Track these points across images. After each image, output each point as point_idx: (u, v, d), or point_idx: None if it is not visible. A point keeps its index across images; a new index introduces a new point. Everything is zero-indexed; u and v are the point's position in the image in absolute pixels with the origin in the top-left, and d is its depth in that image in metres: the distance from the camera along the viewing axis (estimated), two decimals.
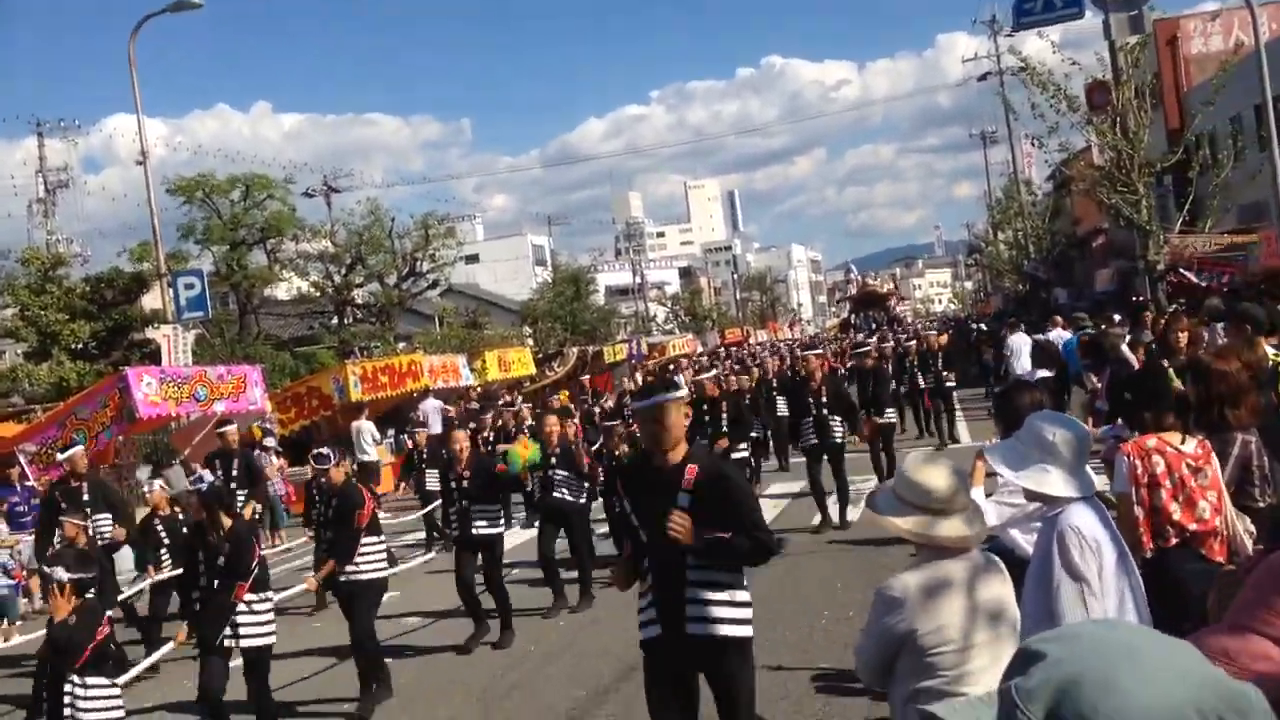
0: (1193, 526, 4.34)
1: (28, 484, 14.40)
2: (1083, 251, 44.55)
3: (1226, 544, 4.40)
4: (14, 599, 12.54)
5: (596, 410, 20.28)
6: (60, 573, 6.06)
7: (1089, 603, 3.24)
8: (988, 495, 4.75)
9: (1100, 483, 4.19)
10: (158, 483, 11.28)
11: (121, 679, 6.72)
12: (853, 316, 59.12)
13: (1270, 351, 7.33)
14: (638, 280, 72.34)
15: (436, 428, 18.80)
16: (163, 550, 10.21)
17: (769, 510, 13.40)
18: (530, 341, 44.50)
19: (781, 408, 16.18)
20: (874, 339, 29.57)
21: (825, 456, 11.83)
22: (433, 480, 13.07)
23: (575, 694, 7.27)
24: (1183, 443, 4.45)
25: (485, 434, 16.96)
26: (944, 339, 20.95)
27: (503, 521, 9.45)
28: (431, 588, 11.16)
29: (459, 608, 9.19)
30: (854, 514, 11.73)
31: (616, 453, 11.61)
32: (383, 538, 8.39)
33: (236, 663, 7.08)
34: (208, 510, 7.09)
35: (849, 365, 18.53)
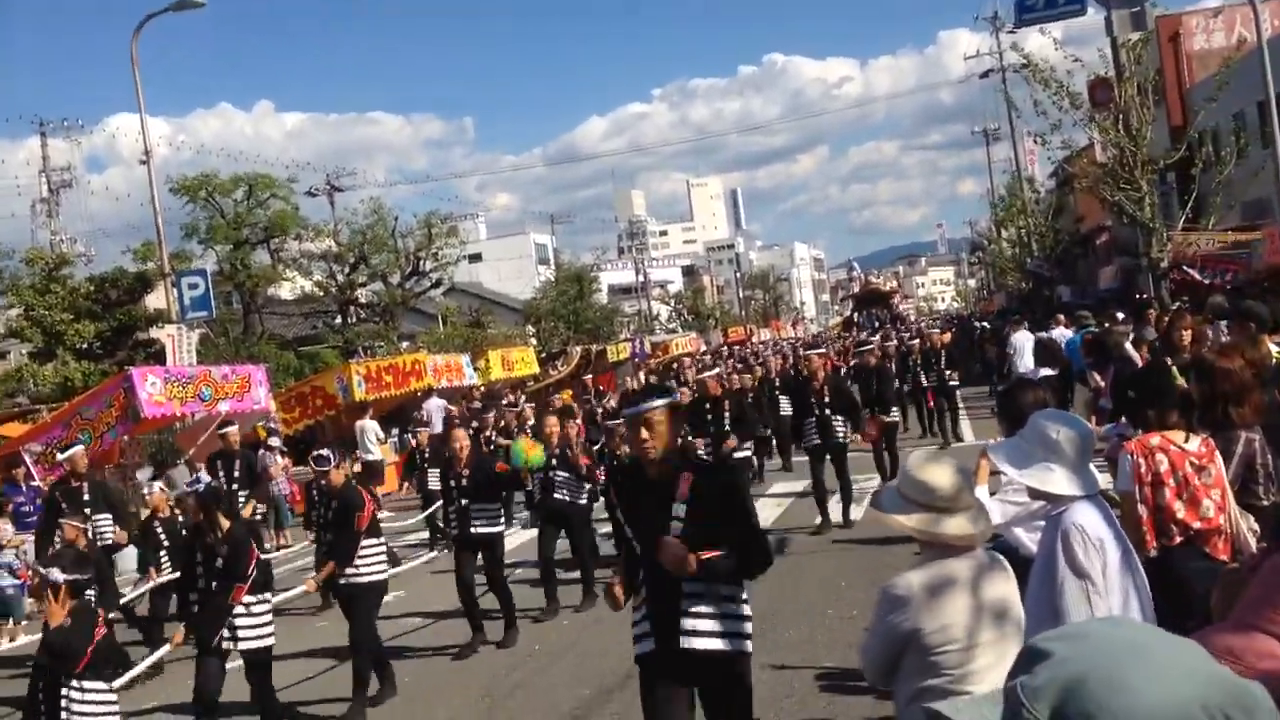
0: (1197, 525, 4.35)
1: (33, 484, 14.43)
2: (1086, 249, 44.50)
3: (1230, 542, 4.41)
4: (19, 599, 12.56)
5: (599, 409, 20.28)
6: (56, 574, 6.02)
7: (1093, 601, 3.25)
8: (992, 494, 4.76)
9: (1104, 481, 4.20)
10: (157, 484, 11.25)
11: (119, 681, 6.71)
12: (856, 315, 59.01)
13: (1274, 349, 7.33)
14: (641, 279, 72.28)
15: (439, 427, 18.82)
16: (162, 552, 10.16)
17: (772, 509, 13.41)
18: (533, 340, 44.49)
19: (785, 407, 16.15)
20: (877, 337, 29.58)
21: (828, 456, 11.79)
22: (435, 480, 13.07)
23: (580, 693, 7.29)
24: (1186, 441, 4.45)
25: (488, 433, 16.97)
26: (947, 337, 20.94)
27: (503, 520, 9.41)
28: (435, 587, 11.17)
29: (461, 608, 9.19)
30: (857, 513, 11.74)
31: (618, 453, 11.61)
32: (383, 540, 8.37)
33: (237, 663, 7.07)
34: (205, 512, 7.07)
35: (852, 364, 18.50)
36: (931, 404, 17.95)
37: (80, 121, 50.76)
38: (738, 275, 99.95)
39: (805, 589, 9.24)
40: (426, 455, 15.08)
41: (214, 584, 6.87)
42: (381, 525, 8.69)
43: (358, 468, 19.08)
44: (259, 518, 13.14)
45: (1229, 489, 4.50)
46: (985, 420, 17.40)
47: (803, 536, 11.36)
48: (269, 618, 7.07)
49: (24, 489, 14.60)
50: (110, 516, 11.57)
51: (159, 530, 10.27)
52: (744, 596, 4.22)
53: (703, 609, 4.08)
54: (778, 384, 17.79)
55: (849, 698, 6.37)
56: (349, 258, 36.41)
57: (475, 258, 68.98)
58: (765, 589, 9.33)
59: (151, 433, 18.17)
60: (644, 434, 4.15)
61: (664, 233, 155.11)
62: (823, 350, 15.13)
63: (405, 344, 35.73)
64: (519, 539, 13.31)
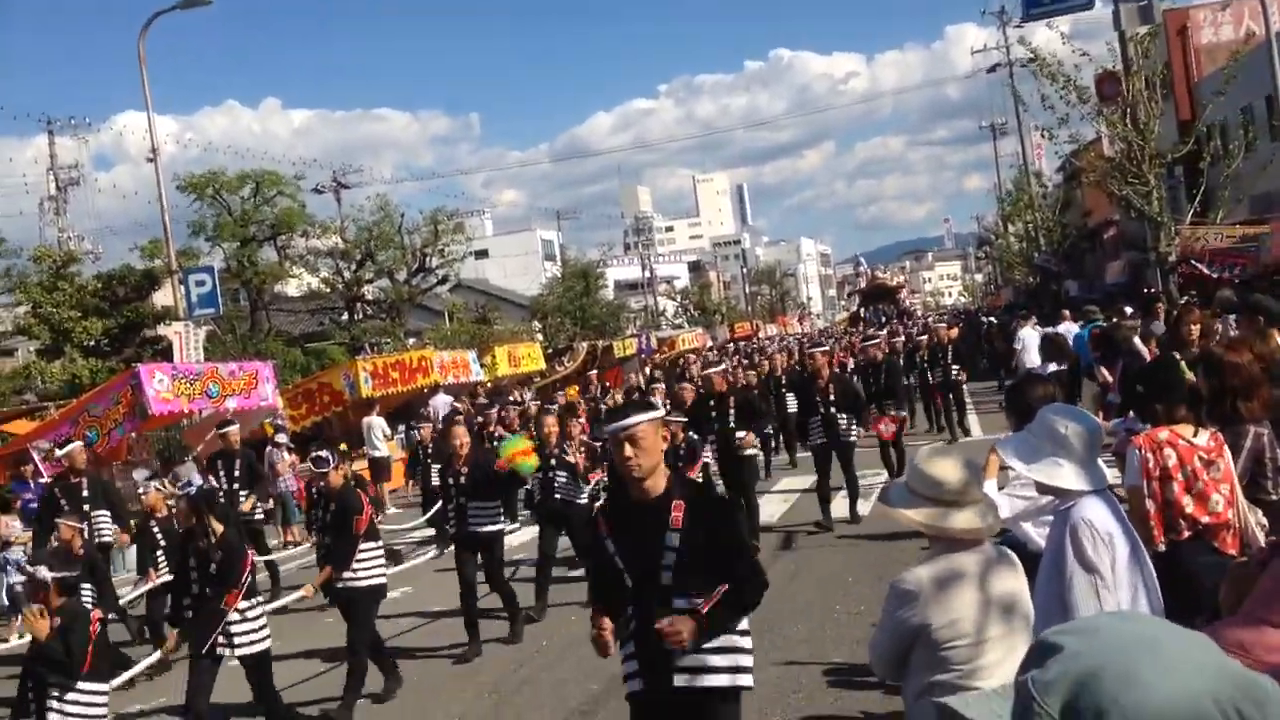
0: (1205, 519, 4.34)
1: (41, 481, 14.47)
2: (1094, 243, 44.39)
3: (1239, 537, 4.40)
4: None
5: (605, 406, 20.28)
6: (43, 571, 5.96)
7: (1102, 596, 3.25)
8: (1000, 488, 4.75)
9: (1112, 476, 4.19)
10: (154, 484, 11.16)
11: (115, 682, 6.68)
12: (862, 310, 59.06)
13: None
14: (647, 275, 72.31)
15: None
16: (159, 552, 10.00)
17: (779, 505, 13.41)
18: (540, 337, 44.55)
19: (791, 404, 16.11)
20: (884, 332, 29.54)
21: (833, 454, 11.71)
22: (439, 476, 13.06)
23: (588, 688, 7.29)
24: (1195, 435, 4.44)
25: (491, 429, 16.94)
26: (954, 332, 20.90)
27: (503, 519, 9.30)
28: (441, 584, 11.18)
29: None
30: (865, 508, 11.72)
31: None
32: (380, 543, 8.32)
33: (235, 664, 7.03)
34: (197, 516, 6.96)
35: (858, 361, 18.47)
36: (938, 399, 17.92)
37: (87, 119, 50.95)
38: (744, 271, 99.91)
39: (812, 585, 9.23)
40: (430, 451, 15.09)
41: (207, 589, 6.80)
42: (389, 519, 8.67)
43: (364, 464, 19.17)
44: (260, 515, 13.11)
45: (1237, 483, 4.48)
46: (993, 415, 17.37)
47: (810, 533, 11.34)
48: (264, 621, 7.01)
49: (32, 486, 14.64)
50: (109, 514, 11.57)
51: (155, 530, 10.12)
52: (744, 626, 4.01)
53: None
54: (783, 381, 17.75)
55: (857, 693, 6.37)
56: (355, 254, 36.48)
57: (481, 254, 68.95)
58: (772, 585, 9.33)
59: (159, 430, 18.22)
60: (628, 451, 3.86)
61: (670, 228, 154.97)
62: (826, 348, 15.04)
63: (412, 340, 35.79)
64: (522, 536, 13.31)
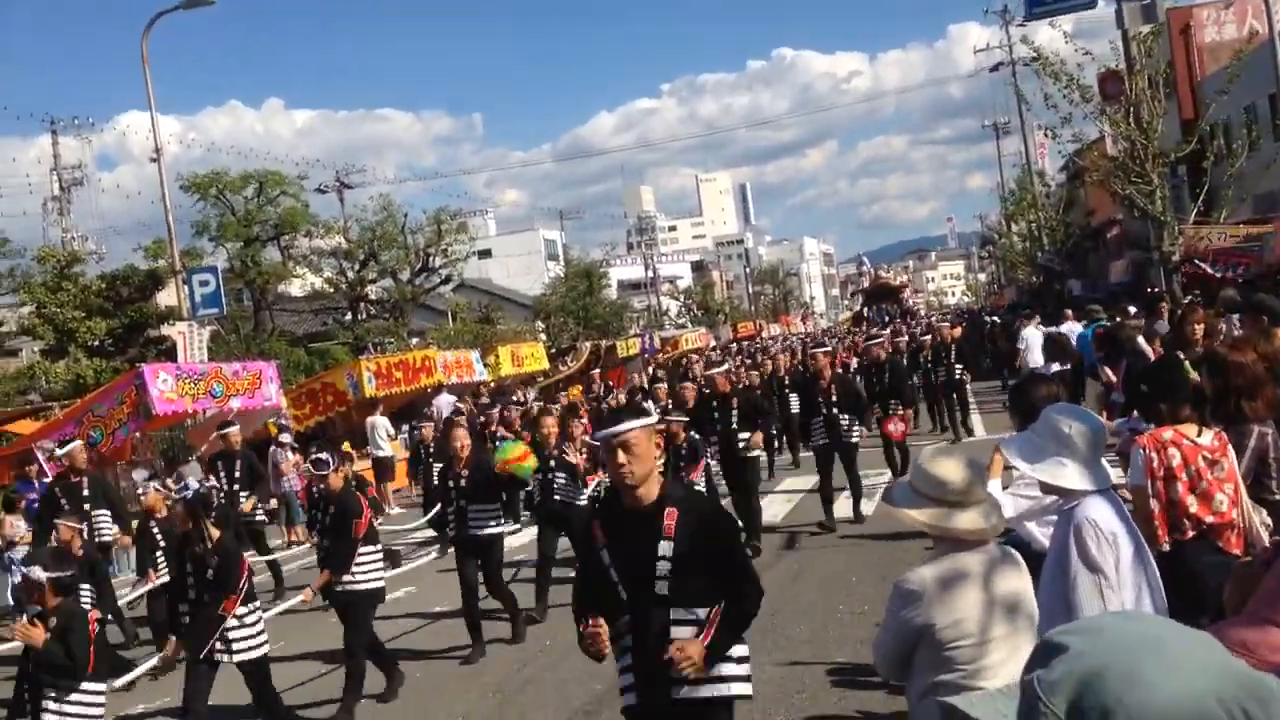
0: (1209, 519, 4.34)
1: (46, 481, 14.50)
2: (1097, 243, 44.35)
3: (1243, 536, 4.40)
4: None
5: (607, 405, 20.27)
6: (38, 571, 5.88)
7: (1106, 595, 3.25)
8: (1004, 488, 4.76)
9: (1115, 475, 4.19)
10: (154, 484, 11.13)
11: (117, 683, 6.63)
12: (865, 309, 59.01)
13: None
14: (650, 274, 72.31)
15: None
16: (158, 553, 9.91)
17: (782, 505, 13.41)
18: (543, 336, 44.57)
19: (795, 404, 16.07)
20: (887, 332, 29.52)
21: (836, 455, 11.67)
22: (439, 477, 13.01)
23: (592, 688, 7.29)
24: (1199, 435, 4.44)
25: (493, 428, 16.91)
26: (957, 331, 20.88)
27: (503, 521, 9.21)
28: (444, 584, 11.18)
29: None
30: (868, 508, 11.72)
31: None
32: (379, 546, 8.29)
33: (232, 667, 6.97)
34: (194, 520, 6.85)
35: (862, 361, 18.45)
36: (941, 398, 17.88)
37: (91, 120, 50.89)
38: (747, 270, 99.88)
39: (816, 585, 9.24)
40: (431, 451, 15.08)
41: (204, 595, 6.72)
42: (393, 519, 8.66)
43: (368, 463, 19.19)
44: (260, 516, 13.09)
45: (1242, 483, 4.48)
46: (996, 414, 17.37)
47: (813, 533, 11.33)
48: (261, 626, 6.96)
49: (37, 486, 14.66)
50: (109, 514, 11.53)
51: (155, 531, 10.04)
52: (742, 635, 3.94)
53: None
54: (786, 381, 17.72)
55: (861, 693, 6.37)
56: (359, 254, 36.51)
57: (485, 254, 68.97)
58: (776, 586, 9.35)
59: (163, 430, 18.25)
60: (621, 458, 3.77)
61: (673, 228, 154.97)
62: (829, 349, 14.98)
63: (415, 340, 35.82)
64: (523, 538, 13.29)
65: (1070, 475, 3.37)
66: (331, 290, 37.21)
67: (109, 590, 9.13)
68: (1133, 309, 17.03)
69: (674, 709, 3.78)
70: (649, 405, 18.45)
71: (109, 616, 9.01)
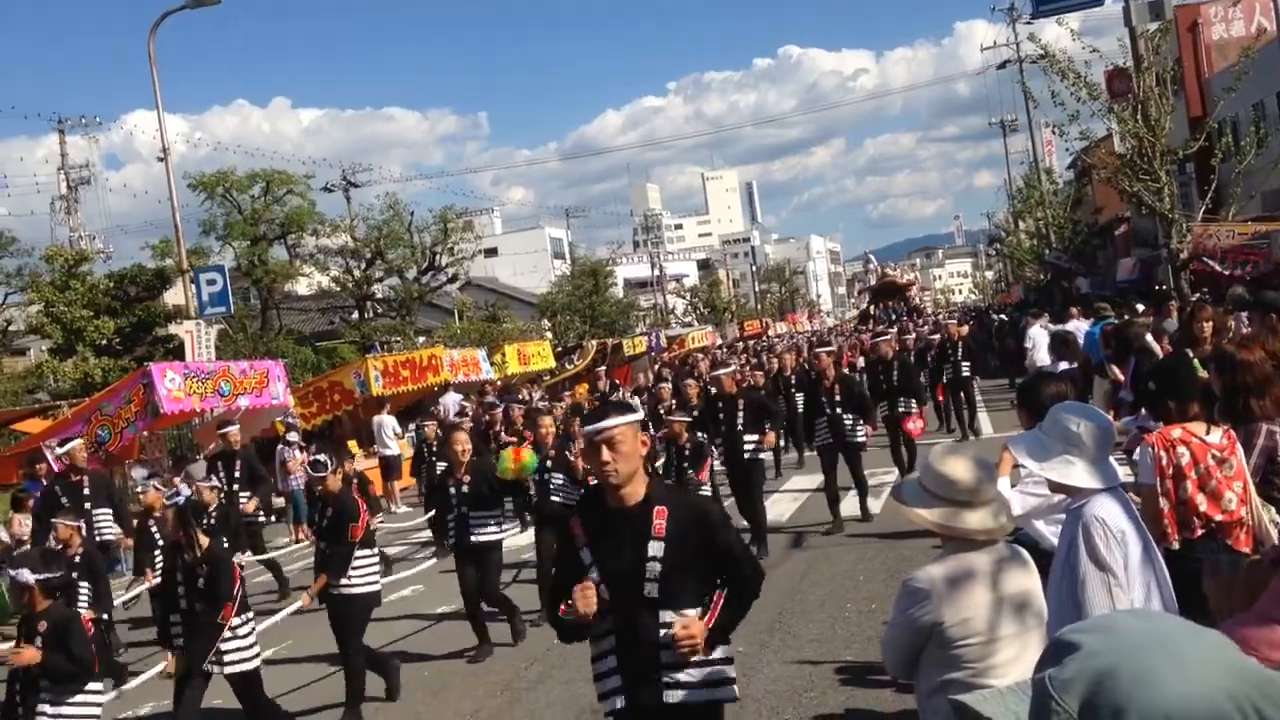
0: (1218, 517, 4.34)
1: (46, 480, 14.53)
2: (1105, 240, 44.28)
3: (1252, 534, 4.39)
4: None
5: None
6: (25, 574, 5.79)
7: (1115, 594, 3.24)
8: (1012, 486, 4.75)
9: (1123, 474, 4.19)
10: (153, 483, 11.13)
11: (110, 695, 6.55)
12: (872, 307, 58.88)
13: None
14: (656, 273, 72.30)
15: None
16: (157, 552, 9.84)
17: (789, 504, 13.40)
18: (549, 335, 44.59)
19: (801, 403, 16.00)
20: (894, 330, 29.47)
21: (840, 455, 11.62)
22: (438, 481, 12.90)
23: None
24: (1208, 433, 4.44)
25: (496, 429, 16.84)
26: (965, 329, 20.85)
27: (502, 527, 9.08)
28: (452, 583, 11.16)
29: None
30: (876, 506, 11.71)
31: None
32: (376, 550, 8.26)
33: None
34: (184, 527, 6.71)
35: (869, 358, 18.42)
36: (942, 397, 17.84)
37: (98, 119, 51.15)
38: (753, 268, 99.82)
39: (823, 583, 9.24)
40: (434, 450, 15.08)
41: (195, 605, 6.60)
42: (400, 516, 8.62)
43: (375, 462, 19.22)
44: (261, 518, 13.07)
45: (1250, 481, 4.48)
46: (1005, 412, 17.34)
47: (824, 533, 11.32)
48: (253, 639, 6.88)
49: (43, 484, 14.70)
50: (111, 512, 11.52)
51: (154, 530, 10.01)
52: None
53: (684, 656, 3.62)
54: (792, 380, 17.66)
55: (869, 691, 6.38)
56: (365, 253, 36.56)
57: (491, 252, 69.17)
58: (783, 584, 9.35)
59: (171, 428, 18.29)
60: (605, 455, 3.62)
61: (679, 226, 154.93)
62: (833, 348, 14.91)
63: (422, 339, 35.87)
64: (525, 538, 13.28)
65: (1078, 473, 3.37)
66: (338, 289, 37.27)
67: (106, 590, 9.06)
68: (1141, 307, 17.01)
69: (665, 712, 3.64)
70: (636, 401, 18.41)
71: (105, 616, 8.99)
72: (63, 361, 25.81)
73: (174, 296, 27.48)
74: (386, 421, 19.58)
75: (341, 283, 36.81)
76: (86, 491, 11.32)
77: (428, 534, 14.85)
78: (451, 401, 21.65)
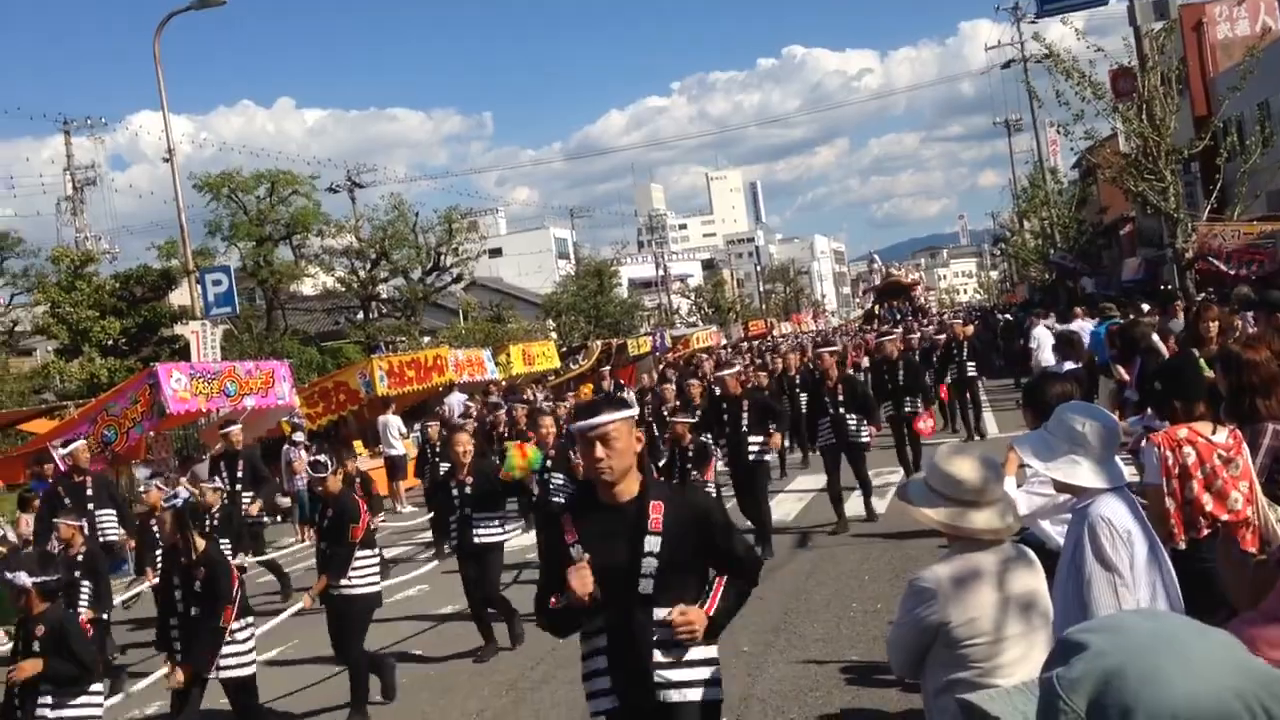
0: (1225, 517, 4.33)
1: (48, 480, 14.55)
2: (1110, 240, 44.23)
3: (1258, 534, 4.39)
4: None
5: None
6: (22, 577, 5.72)
7: (1121, 594, 3.25)
8: (1018, 485, 4.75)
9: (1129, 474, 4.19)
10: (155, 482, 11.12)
11: (114, 700, 6.52)
12: (877, 307, 58.88)
13: None
14: (661, 273, 72.30)
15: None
16: (158, 552, 9.60)
17: (794, 504, 13.40)
18: (554, 335, 44.62)
19: (805, 403, 15.97)
20: (899, 330, 29.45)
21: (844, 455, 11.59)
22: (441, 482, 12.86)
23: None
24: (1214, 433, 4.44)
25: (500, 430, 16.84)
26: (970, 329, 20.82)
27: (505, 528, 9.05)
28: (458, 582, 11.18)
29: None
30: (881, 506, 11.70)
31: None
32: (376, 551, 8.24)
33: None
34: (181, 530, 6.58)
35: (874, 358, 18.41)
36: (946, 397, 17.80)
37: (104, 120, 51.10)
38: (758, 268, 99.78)
39: (828, 583, 9.24)
40: (437, 449, 15.08)
41: (192, 609, 6.47)
42: (405, 516, 8.60)
43: (379, 462, 19.25)
44: (265, 519, 13.05)
45: (1257, 480, 4.48)
46: (1010, 412, 17.33)
47: (824, 533, 11.32)
48: (251, 644, 6.80)
49: (48, 485, 14.73)
50: (115, 513, 11.48)
51: (155, 530, 9.84)
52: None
53: (678, 655, 3.56)
54: (797, 380, 17.64)
55: (875, 690, 6.38)
56: (370, 253, 36.61)
57: (495, 252, 69.13)
58: (789, 583, 9.37)
59: (177, 428, 18.33)
60: (599, 452, 3.53)
61: (683, 226, 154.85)
62: (835, 348, 14.89)
63: (427, 339, 35.91)
64: (528, 538, 13.27)
65: (1084, 473, 3.37)
66: (343, 289, 37.33)
67: (107, 590, 9.06)
68: (1146, 306, 16.99)
69: (658, 713, 3.55)
70: (631, 396, 18.34)
71: (104, 616, 8.99)
72: (69, 362, 25.89)
73: (179, 297, 27.54)
74: (392, 422, 19.61)
75: (346, 283, 36.86)
76: (90, 492, 11.30)
77: (428, 535, 14.87)
78: (456, 402, 21.67)
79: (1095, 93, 20.99)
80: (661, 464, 10.76)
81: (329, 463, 8.08)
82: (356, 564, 7.75)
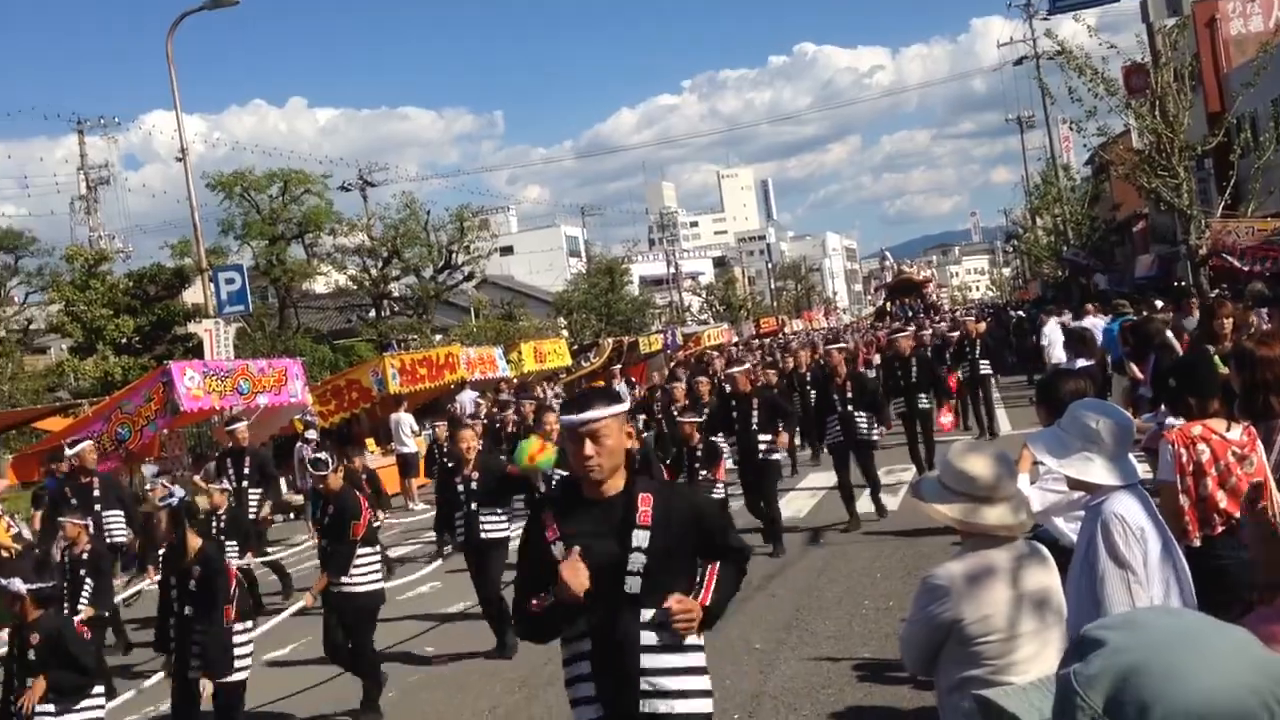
0: (1239, 514, 4.32)
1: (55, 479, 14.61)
2: (1123, 237, 44.07)
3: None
4: None
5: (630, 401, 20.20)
6: (17, 584, 5.66)
7: (1134, 591, 3.24)
8: (1031, 482, 4.74)
9: (1143, 471, 4.18)
10: (161, 480, 11.13)
11: (115, 702, 6.48)
12: (889, 304, 58.75)
13: None
14: (672, 271, 72.30)
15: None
16: (163, 550, 9.93)
17: (806, 501, 13.39)
18: (565, 333, 44.66)
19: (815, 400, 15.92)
20: (911, 327, 29.35)
21: (852, 453, 11.55)
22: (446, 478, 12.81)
23: None
24: (1228, 430, 4.42)
25: (509, 428, 16.85)
26: (982, 326, 20.76)
27: (510, 523, 8.95)
28: (468, 580, 11.21)
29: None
30: (894, 504, 11.68)
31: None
32: (378, 548, 8.22)
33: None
34: (178, 529, 6.50)
35: (885, 355, 18.36)
36: (954, 387, 17.73)
37: (117, 119, 51.50)
38: (769, 266, 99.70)
39: (840, 580, 9.23)
40: (445, 450, 15.10)
41: (186, 608, 6.36)
42: (415, 513, 8.58)
43: (391, 460, 19.29)
44: (273, 521, 13.03)
45: (1271, 478, 4.46)
46: (1023, 409, 17.28)
47: (836, 531, 11.31)
48: (249, 648, 6.73)
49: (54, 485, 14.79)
50: (122, 514, 11.46)
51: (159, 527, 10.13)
52: (700, 642, 3.45)
53: (665, 662, 3.31)
54: (808, 377, 17.59)
55: (887, 688, 6.37)
56: (382, 252, 36.71)
57: (507, 250, 69.27)
58: (801, 581, 9.36)
59: (190, 426, 18.40)
60: (589, 449, 3.31)
61: (695, 224, 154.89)
62: (843, 345, 14.86)
63: (438, 337, 35.98)
64: None
65: (1097, 470, 3.36)
66: (355, 288, 37.44)
67: (108, 588, 9.06)
68: (1159, 303, 16.93)
69: None
70: (624, 389, 18.19)
71: (105, 615, 9.02)
72: (83, 360, 26.01)
73: (193, 295, 27.65)
74: (404, 419, 19.66)
75: (358, 281, 36.96)
76: (96, 493, 11.28)
77: (432, 534, 14.89)
78: (468, 399, 21.71)
79: (1108, 89, 20.93)
80: (668, 462, 10.76)
81: (329, 460, 8.05)
82: (358, 562, 7.72)
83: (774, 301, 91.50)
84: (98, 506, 11.12)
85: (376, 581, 7.94)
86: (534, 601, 3.34)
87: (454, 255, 38.28)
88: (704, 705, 3.39)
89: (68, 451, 12.08)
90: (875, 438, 11.80)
